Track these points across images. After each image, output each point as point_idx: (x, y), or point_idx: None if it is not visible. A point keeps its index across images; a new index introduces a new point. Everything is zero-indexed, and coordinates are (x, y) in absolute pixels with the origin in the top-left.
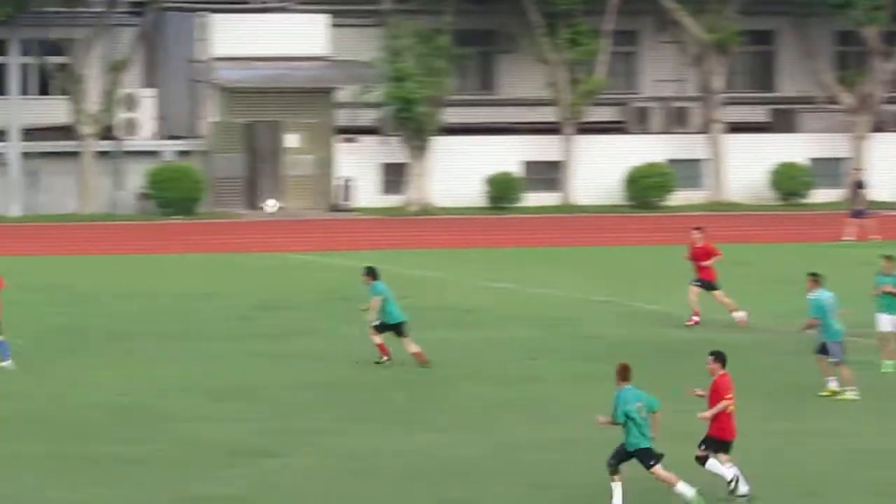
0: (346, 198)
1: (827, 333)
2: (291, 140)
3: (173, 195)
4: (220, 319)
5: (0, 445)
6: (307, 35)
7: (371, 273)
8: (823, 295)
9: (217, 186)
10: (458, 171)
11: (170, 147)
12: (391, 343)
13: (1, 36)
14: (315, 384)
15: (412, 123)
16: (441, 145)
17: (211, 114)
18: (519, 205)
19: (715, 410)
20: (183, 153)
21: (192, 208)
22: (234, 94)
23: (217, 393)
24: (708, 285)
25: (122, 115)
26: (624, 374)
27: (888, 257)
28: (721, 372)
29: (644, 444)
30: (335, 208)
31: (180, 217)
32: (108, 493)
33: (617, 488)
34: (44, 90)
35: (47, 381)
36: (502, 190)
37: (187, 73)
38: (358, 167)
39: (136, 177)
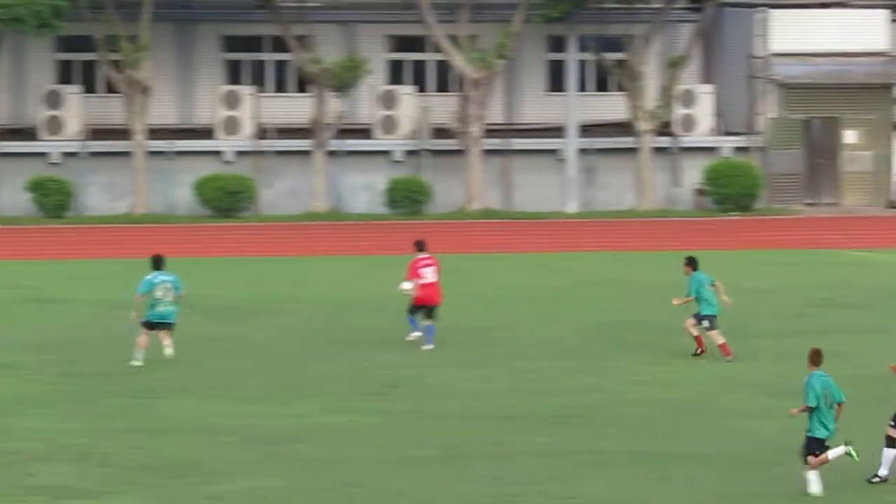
0: None
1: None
2: (849, 136)
3: (730, 191)
4: (775, 316)
5: (571, 443)
6: (866, 30)
7: None
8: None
9: (774, 183)
10: None
11: (727, 143)
12: None
13: (558, 32)
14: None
15: None
16: None
17: (769, 110)
18: None
19: None
20: (740, 149)
21: (750, 204)
22: (791, 90)
23: (774, 391)
24: None
25: (679, 112)
26: (816, 358)
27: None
28: None
29: (820, 435)
30: (893, 205)
31: (737, 213)
32: (657, 489)
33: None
34: (601, 86)
35: (602, 376)
36: None
37: (745, 68)
38: None
39: (692, 173)
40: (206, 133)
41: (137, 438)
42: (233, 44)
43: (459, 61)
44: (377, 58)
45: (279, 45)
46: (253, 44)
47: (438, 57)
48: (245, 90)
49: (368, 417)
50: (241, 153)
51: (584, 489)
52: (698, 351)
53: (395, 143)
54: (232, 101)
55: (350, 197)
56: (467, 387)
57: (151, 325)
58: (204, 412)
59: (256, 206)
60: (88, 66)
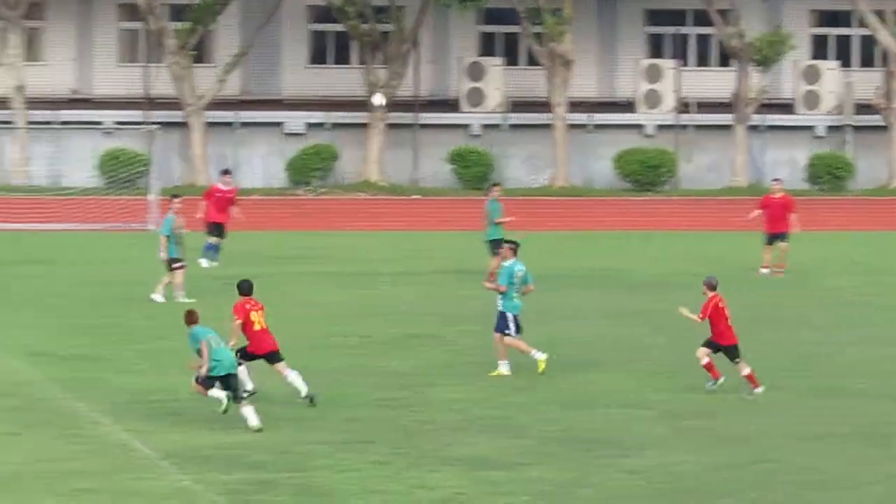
0: None
1: (507, 304)
2: None
3: None
4: None
5: None
6: None
7: None
8: (516, 266)
9: None
10: None
11: None
12: None
13: None
14: None
15: None
16: None
17: None
18: None
19: None
20: None
21: None
22: None
23: None
24: None
25: None
26: None
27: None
28: None
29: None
30: None
31: None
32: None
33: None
34: None
35: None
36: None
37: None
38: None
39: None
40: (626, 106)
41: (551, 411)
42: (655, 17)
43: (884, 36)
44: (801, 32)
45: (702, 18)
46: (676, 17)
47: (863, 31)
48: (667, 64)
49: (782, 393)
50: (661, 127)
51: None
52: None
53: (817, 119)
54: (653, 74)
55: (770, 173)
56: (881, 366)
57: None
58: (617, 387)
59: (676, 181)
60: (511, 39)
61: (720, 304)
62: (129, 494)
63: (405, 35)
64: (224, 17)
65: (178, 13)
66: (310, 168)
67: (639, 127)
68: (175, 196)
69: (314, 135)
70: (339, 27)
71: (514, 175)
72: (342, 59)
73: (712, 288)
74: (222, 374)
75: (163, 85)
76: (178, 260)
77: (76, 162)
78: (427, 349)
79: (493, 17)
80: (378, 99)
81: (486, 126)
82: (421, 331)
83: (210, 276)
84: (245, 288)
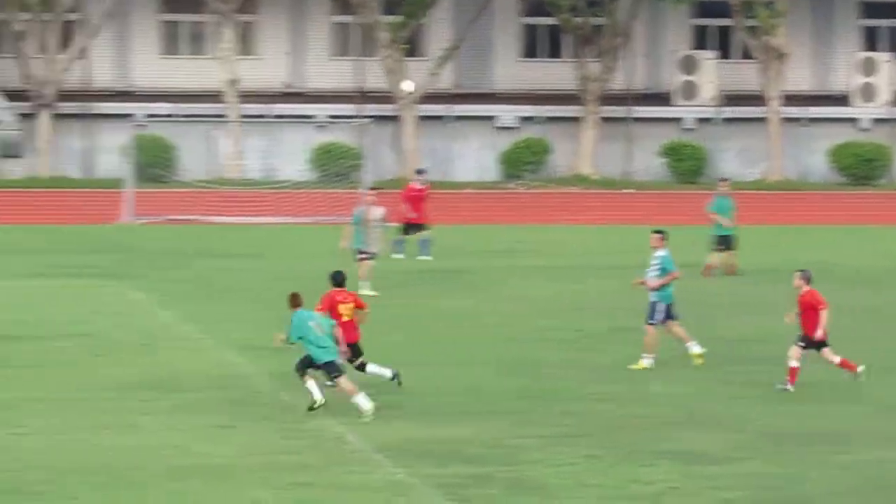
0: None
1: (662, 294)
2: None
3: None
4: None
5: None
6: None
7: None
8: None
9: None
10: None
11: None
12: None
13: None
14: None
15: None
16: None
17: None
18: None
19: None
20: None
21: None
22: None
23: None
24: None
25: None
26: None
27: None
28: None
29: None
30: None
31: None
32: None
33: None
34: None
35: None
36: None
37: None
38: None
39: None
40: (841, 100)
41: (766, 405)
42: (871, 10)
43: None
44: None
45: None
46: (892, 10)
47: None
48: (882, 57)
49: None
50: (877, 121)
51: None
52: None
53: None
54: (868, 67)
55: None
56: None
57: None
58: (835, 380)
59: (892, 175)
60: (724, 32)
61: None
62: (343, 488)
63: (618, 28)
64: (436, 11)
65: (390, 7)
66: (522, 162)
67: (853, 121)
68: (373, 189)
69: (526, 128)
70: (551, 20)
71: (728, 169)
72: (554, 52)
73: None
74: (326, 360)
75: (375, 78)
76: (363, 252)
77: (288, 155)
78: (640, 343)
79: (706, 10)
80: (408, 86)
81: (700, 119)
82: (632, 324)
83: (410, 270)
84: (337, 279)
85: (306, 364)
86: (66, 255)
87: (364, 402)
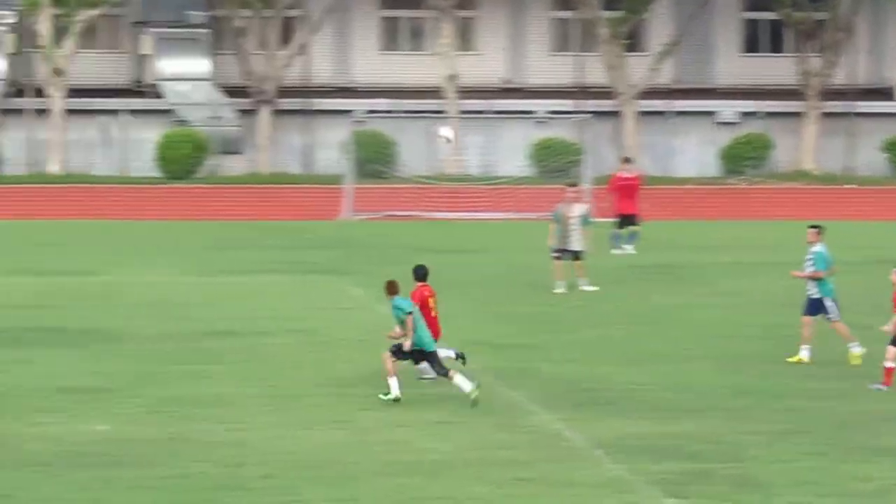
0: None
1: (823, 289)
2: None
3: None
4: None
5: None
6: None
7: None
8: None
9: None
10: None
11: None
12: None
13: None
14: None
15: None
16: None
17: None
18: None
19: None
20: None
21: None
22: None
23: None
24: None
25: None
26: None
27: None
28: None
29: None
30: None
31: None
32: None
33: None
34: None
35: None
36: None
37: None
38: None
39: None
40: None
41: None
42: None
43: None
44: None
45: None
46: None
47: None
48: None
49: None
50: None
51: None
52: None
53: None
54: None
55: None
56: None
57: None
58: None
59: None
60: None
61: None
62: (562, 484)
63: (840, 23)
64: (657, 6)
65: (610, 2)
66: (743, 157)
67: None
68: (571, 185)
69: (747, 124)
70: (772, 15)
71: None
72: (775, 47)
73: None
74: (421, 349)
75: (594, 74)
76: (557, 250)
77: (508, 151)
78: (863, 341)
79: None
80: (445, 131)
81: None
82: (854, 321)
83: (625, 265)
84: (421, 274)
85: (403, 354)
86: (285, 251)
87: (464, 382)
